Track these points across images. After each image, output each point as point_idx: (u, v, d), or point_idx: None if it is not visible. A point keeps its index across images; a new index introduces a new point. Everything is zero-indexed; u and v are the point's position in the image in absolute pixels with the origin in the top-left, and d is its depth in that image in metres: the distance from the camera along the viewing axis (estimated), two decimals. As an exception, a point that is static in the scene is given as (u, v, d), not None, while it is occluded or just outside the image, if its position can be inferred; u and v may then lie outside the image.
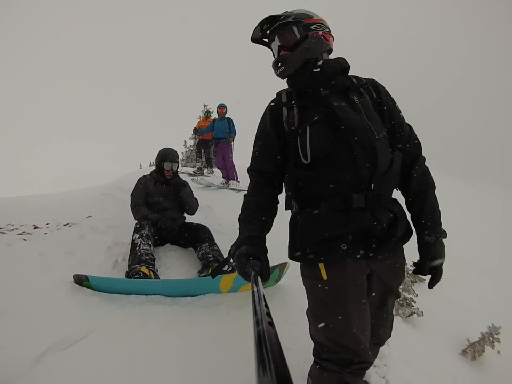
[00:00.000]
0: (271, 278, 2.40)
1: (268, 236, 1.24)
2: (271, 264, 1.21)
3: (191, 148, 15.65)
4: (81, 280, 2.20)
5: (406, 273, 1.52)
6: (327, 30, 1.28)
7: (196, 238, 3.06)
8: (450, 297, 3.16)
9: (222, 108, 7.35)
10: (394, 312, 1.81)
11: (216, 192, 6.18)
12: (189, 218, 3.57)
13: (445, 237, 1.23)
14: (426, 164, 1.31)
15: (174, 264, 2.95)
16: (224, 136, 7.06)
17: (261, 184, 1.30)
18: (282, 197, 1.32)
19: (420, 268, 1.21)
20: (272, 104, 1.32)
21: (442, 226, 1.25)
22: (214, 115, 9.36)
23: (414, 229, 1.27)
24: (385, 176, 1.15)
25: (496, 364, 2.53)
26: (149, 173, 3.54)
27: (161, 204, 3.28)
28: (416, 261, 1.25)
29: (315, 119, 1.16)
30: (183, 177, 3.73)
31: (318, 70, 1.21)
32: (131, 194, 3.30)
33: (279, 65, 1.26)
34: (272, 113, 1.29)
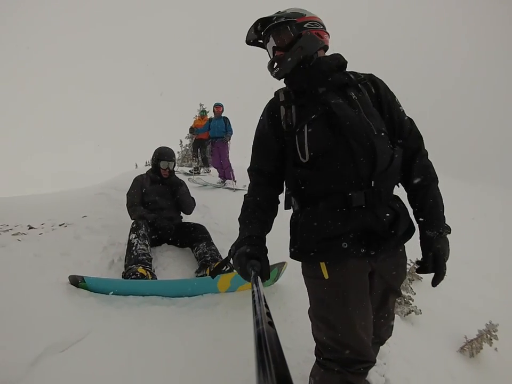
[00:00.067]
0: (269, 277, 2.40)
1: (268, 236, 1.23)
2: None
3: (187, 147, 15.60)
4: (77, 281, 2.17)
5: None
6: (321, 27, 1.27)
7: (193, 238, 3.04)
8: (448, 295, 3.18)
9: (218, 107, 7.32)
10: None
11: (213, 192, 6.17)
12: (185, 218, 3.54)
13: (449, 233, 1.19)
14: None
15: (171, 264, 2.92)
16: (221, 136, 7.05)
17: (261, 184, 1.29)
18: (282, 197, 1.30)
19: (422, 266, 1.16)
20: (270, 103, 1.32)
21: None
22: (210, 114, 9.33)
23: (417, 226, 1.24)
24: (385, 173, 1.14)
25: (493, 361, 2.54)
26: (145, 172, 3.51)
27: (157, 203, 3.25)
28: (419, 260, 1.20)
29: (313, 117, 1.16)
30: (180, 176, 3.71)
31: (314, 68, 1.21)
32: (127, 193, 3.27)
33: (274, 66, 1.26)
34: (270, 113, 1.28)
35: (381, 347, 1.55)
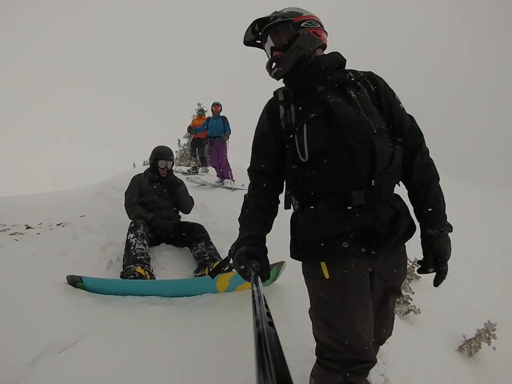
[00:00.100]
0: (268, 277, 2.39)
1: (268, 236, 1.23)
2: None
3: (185, 147, 15.56)
4: (75, 281, 2.15)
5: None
6: (319, 25, 1.26)
7: (192, 237, 3.03)
8: (447, 295, 3.18)
9: (216, 106, 7.30)
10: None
11: (211, 191, 6.15)
12: (184, 217, 3.53)
13: (450, 231, 1.16)
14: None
15: (170, 263, 2.92)
16: (219, 135, 7.03)
17: (260, 184, 1.29)
18: (282, 197, 1.30)
19: (423, 265, 1.13)
20: (269, 103, 1.31)
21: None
22: (208, 113, 9.31)
23: (418, 225, 1.22)
24: (385, 172, 1.13)
25: (492, 360, 2.55)
26: (143, 172, 3.49)
27: (156, 203, 3.24)
28: (420, 259, 1.17)
29: (312, 116, 1.15)
30: (178, 176, 3.70)
31: (312, 67, 1.20)
32: (125, 193, 3.26)
33: (273, 66, 1.26)
34: (269, 113, 1.28)
35: (380, 346, 1.55)
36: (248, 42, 1.38)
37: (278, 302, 2.35)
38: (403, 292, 2.88)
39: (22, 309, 1.77)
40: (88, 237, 3.03)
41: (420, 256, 1.17)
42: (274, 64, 1.25)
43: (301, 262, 1.25)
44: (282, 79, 1.29)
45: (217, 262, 2.61)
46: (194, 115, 10.90)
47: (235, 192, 6.16)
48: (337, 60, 1.25)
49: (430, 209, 1.17)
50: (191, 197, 3.50)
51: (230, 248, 1.23)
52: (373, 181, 1.11)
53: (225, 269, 2.53)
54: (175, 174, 3.65)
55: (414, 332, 2.58)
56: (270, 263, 1.20)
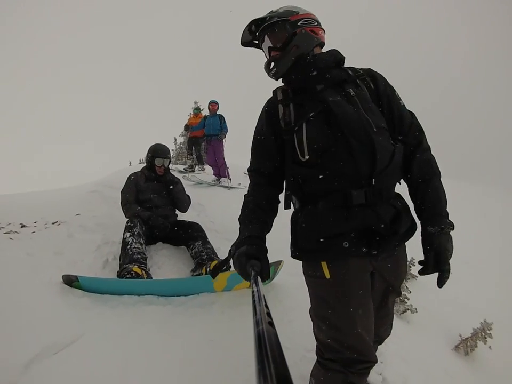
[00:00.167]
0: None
1: (268, 236, 1.22)
2: None
3: (181, 145, 15.50)
4: (71, 281, 2.14)
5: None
6: (316, 23, 1.25)
7: (189, 236, 3.02)
8: (443, 294, 3.18)
9: (213, 105, 7.27)
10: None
11: (208, 190, 6.13)
12: (180, 216, 3.51)
13: (452, 229, 1.11)
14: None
15: (166, 263, 2.90)
16: (216, 133, 7.00)
17: (260, 184, 1.28)
18: (282, 197, 1.29)
19: (424, 266, 1.09)
20: (268, 103, 1.30)
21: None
22: (205, 112, 9.27)
23: (418, 223, 1.20)
24: (386, 170, 1.12)
25: (488, 359, 2.56)
26: (139, 170, 3.46)
27: (152, 201, 3.22)
28: (421, 260, 1.13)
29: (311, 115, 1.14)
30: (174, 174, 3.67)
31: (310, 65, 1.19)
32: (121, 191, 3.22)
33: (271, 67, 1.25)
34: (268, 112, 1.27)
35: (378, 346, 1.55)
36: (246, 43, 1.37)
37: (276, 301, 2.35)
38: (400, 291, 2.89)
39: (17, 309, 1.75)
40: (83, 236, 3.01)
41: (416, 255, 1.14)
42: (272, 64, 1.24)
43: (299, 262, 1.24)
44: (281, 78, 1.28)
45: (215, 261, 2.61)
46: (190, 113, 10.86)
47: (232, 191, 6.15)
48: (336, 57, 1.24)
49: (430, 206, 1.15)
50: (188, 196, 3.48)
51: (229, 248, 1.22)
52: (373, 180, 1.10)
53: (223, 268, 2.52)
54: (172, 173, 3.62)
55: (411, 331, 2.59)
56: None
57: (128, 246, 2.60)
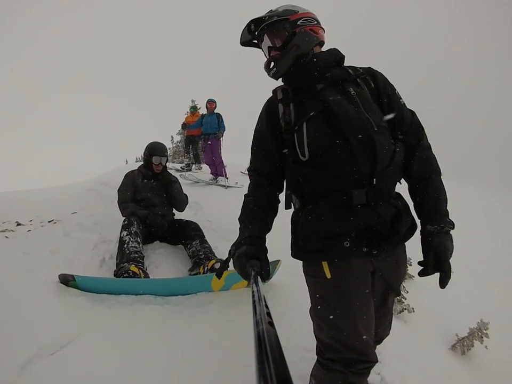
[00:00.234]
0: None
1: (268, 236, 1.22)
2: None
3: (178, 144, 15.47)
4: (67, 280, 2.12)
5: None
6: (315, 22, 1.24)
7: (186, 235, 3.01)
8: (440, 294, 3.20)
9: (211, 103, 7.25)
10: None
11: (205, 189, 6.11)
12: (178, 215, 3.50)
13: (452, 228, 1.10)
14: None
15: (163, 262, 2.89)
16: (213, 132, 6.99)
17: (260, 184, 1.28)
18: (282, 196, 1.29)
19: (424, 266, 1.08)
20: (267, 102, 1.30)
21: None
22: (202, 110, 9.24)
23: (419, 223, 1.19)
24: (387, 170, 1.11)
25: (484, 358, 2.58)
26: (136, 168, 3.44)
27: (150, 200, 3.20)
28: (420, 260, 1.11)
29: (311, 114, 1.14)
30: (171, 173, 3.65)
31: (310, 64, 1.19)
32: (118, 190, 3.20)
33: (271, 66, 1.24)
34: (268, 112, 1.27)
35: (377, 345, 1.55)
36: (245, 42, 1.36)
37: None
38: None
39: (13, 308, 1.73)
40: (80, 235, 2.99)
41: (413, 255, 1.13)
42: (272, 64, 1.23)
43: (297, 262, 1.24)
44: (281, 78, 1.28)
45: (213, 261, 2.60)
46: (187, 112, 10.83)
47: (229, 190, 6.14)
48: (336, 56, 1.23)
49: (430, 205, 1.13)
50: (186, 195, 3.46)
51: (227, 247, 1.22)
52: (374, 179, 1.10)
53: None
54: (169, 171, 3.60)
55: (408, 331, 2.60)
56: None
57: (125, 245, 2.58)
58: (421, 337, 2.55)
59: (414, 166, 1.18)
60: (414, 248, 1.31)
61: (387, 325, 1.38)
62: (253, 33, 1.30)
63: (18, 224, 3.16)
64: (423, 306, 2.94)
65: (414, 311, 2.78)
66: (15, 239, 2.65)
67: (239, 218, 1.24)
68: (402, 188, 1.26)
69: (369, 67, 1.29)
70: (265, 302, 0.67)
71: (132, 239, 2.64)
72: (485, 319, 2.65)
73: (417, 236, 1.19)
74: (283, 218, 1.36)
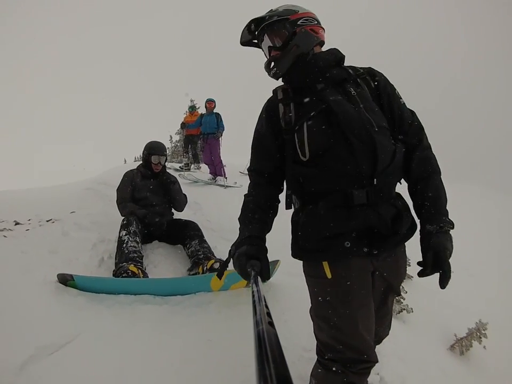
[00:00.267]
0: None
1: (268, 236, 1.22)
2: None
3: (177, 143, 15.45)
4: (66, 280, 2.11)
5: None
6: (316, 22, 1.25)
7: (185, 235, 3.00)
8: (438, 294, 3.21)
9: (210, 103, 7.25)
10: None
11: (204, 188, 6.11)
12: (177, 214, 3.49)
13: (452, 228, 1.09)
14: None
15: (162, 262, 2.88)
16: (212, 132, 6.98)
17: (260, 184, 1.28)
18: (283, 196, 1.29)
19: (423, 266, 1.07)
20: (268, 102, 1.30)
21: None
22: (201, 110, 9.23)
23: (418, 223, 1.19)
24: (387, 170, 1.12)
25: (482, 358, 2.58)
26: (135, 168, 3.43)
27: (148, 199, 3.18)
28: (419, 261, 1.10)
29: (312, 114, 1.14)
30: (170, 172, 3.64)
31: (310, 64, 1.19)
32: (117, 189, 3.19)
33: (271, 66, 1.24)
34: (268, 112, 1.27)
35: (376, 345, 1.55)
36: (245, 42, 1.36)
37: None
38: (396, 291, 2.90)
39: (11, 308, 1.72)
40: (78, 234, 2.98)
41: (412, 255, 1.12)
42: (273, 64, 1.23)
43: (296, 262, 1.24)
44: (281, 78, 1.28)
45: (212, 261, 2.59)
46: (186, 111, 10.83)
47: (228, 190, 6.14)
48: (336, 56, 1.24)
49: (429, 204, 1.13)
50: (185, 195, 3.45)
51: (226, 247, 1.22)
52: (375, 179, 1.10)
53: (218, 268, 2.51)
54: (168, 171, 3.59)
55: (407, 331, 2.60)
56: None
57: (124, 245, 2.57)
58: (419, 338, 2.56)
59: (414, 166, 1.18)
60: (413, 248, 1.31)
61: (387, 325, 1.38)
62: (253, 33, 1.30)
63: (17, 223, 3.15)
64: (422, 307, 2.94)
65: (412, 311, 2.78)
66: (13, 239, 2.64)
67: (239, 218, 1.24)
68: (402, 188, 1.26)
69: (369, 67, 1.29)
70: (265, 302, 0.67)
71: (130, 239, 2.63)
72: (484, 320, 2.65)
73: (417, 236, 1.19)
74: (283, 218, 1.36)
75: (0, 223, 3.11)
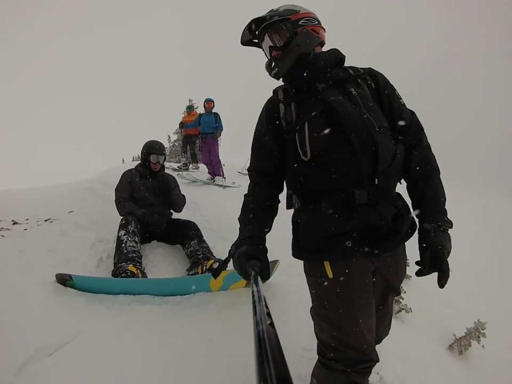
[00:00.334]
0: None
1: (267, 236, 1.22)
2: None
3: (175, 143, 15.44)
4: (64, 280, 2.10)
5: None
6: (316, 22, 1.25)
7: (184, 235, 2.99)
8: (438, 294, 3.21)
9: (209, 103, 7.24)
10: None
11: (202, 188, 6.10)
12: (176, 214, 3.48)
13: (450, 227, 1.10)
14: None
15: (161, 261, 2.88)
16: (211, 131, 6.98)
17: (260, 184, 1.28)
18: (283, 196, 1.28)
19: (421, 266, 1.08)
20: (268, 102, 1.30)
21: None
22: (200, 110, 9.22)
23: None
24: (388, 170, 1.12)
25: (481, 358, 2.58)
26: (134, 167, 3.41)
27: (147, 199, 3.18)
28: (417, 260, 1.11)
29: (313, 114, 1.14)
30: (168, 172, 3.62)
31: (311, 64, 1.19)
32: (115, 189, 3.18)
33: (272, 66, 1.24)
34: (269, 112, 1.27)
35: (376, 345, 1.55)
36: (246, 42, 1.36)
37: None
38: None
39: (9, 309, 1.71)
40: (77, 234, 2.97)
41: (411, 255, 1.13)
42: (274, 63, 1.23)
43: (296, 262, 1.24)
44: (282, 78, 1.28)
45: (211, 261, 2.59)
46: (184, 111, 10.82)
47: (226, 190, 6.13)
48: (336, 56, 1.24)
49: (427, 203, 1.14)
50: (183, 195, 3.45)
51: (225, 247, 1.22)
52: (376, 179, 1.10)
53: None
54: (166, 171, 3.58)
55: (406, 330, 2.60)
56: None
57: (123, 245, 2.57)
58: (418, 337, 2.55)
59: (413, 165, 1.19)
60: (411, 248, 1.31)
61: (387, 324, 1.38)
62: (254, 33, 1.30)
63: (15, 223, 3.13)
64: (421, 307, 2.94)
65: (411, 311, 2.78)
66: (11, 238, 2.63)
67: (239, 218, 1.25)
68: (402, 188, 1.26)
69: (370, 67, 1.29)
70: (265, 302, 0.67)
71: (129, 239, 2.62)
72: (483, 319, 2.65)
73: (415, 235, 1.19)
74: (283, 218, 1.36)
75: (-2, 222, 3.10)
